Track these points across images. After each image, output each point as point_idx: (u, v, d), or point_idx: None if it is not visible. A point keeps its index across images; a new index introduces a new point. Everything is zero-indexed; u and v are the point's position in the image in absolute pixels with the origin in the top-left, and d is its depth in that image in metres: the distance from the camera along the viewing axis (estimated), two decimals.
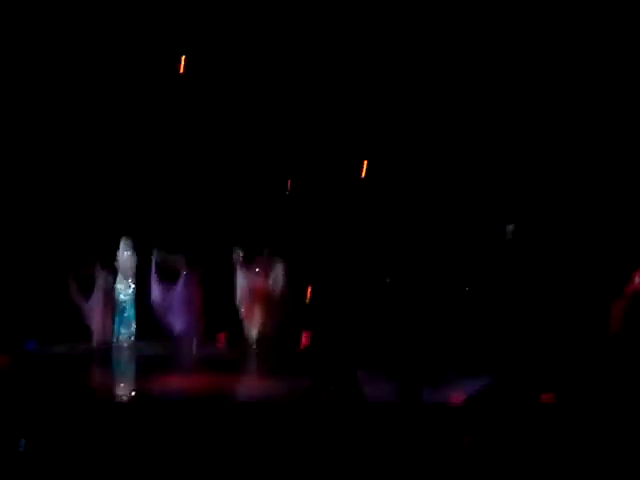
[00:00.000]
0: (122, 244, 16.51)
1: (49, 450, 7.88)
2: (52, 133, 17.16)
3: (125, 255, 16.54)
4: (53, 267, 16.25)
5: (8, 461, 7.69)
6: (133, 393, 12.20)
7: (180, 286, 16.28)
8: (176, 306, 16.22)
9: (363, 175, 16.71)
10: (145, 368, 15.34)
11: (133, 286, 16.56)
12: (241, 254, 16.33)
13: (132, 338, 16.62)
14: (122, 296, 16.47)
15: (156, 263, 16.31)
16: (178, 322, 16.24)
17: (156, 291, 16.36)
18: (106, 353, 15.97)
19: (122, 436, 8.44)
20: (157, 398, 11.73)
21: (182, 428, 8.34)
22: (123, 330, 16.51)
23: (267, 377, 13.71)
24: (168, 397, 11.91)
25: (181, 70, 15.86)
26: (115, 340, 16.39)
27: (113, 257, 16.48)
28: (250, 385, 13.77)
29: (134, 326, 16.62)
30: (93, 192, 17.22)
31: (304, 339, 14.34)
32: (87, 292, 16.25)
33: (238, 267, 16.39)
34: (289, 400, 11.43)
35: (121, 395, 12.56)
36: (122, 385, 13.44)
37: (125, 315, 16.53)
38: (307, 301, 14.63)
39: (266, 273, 16.36)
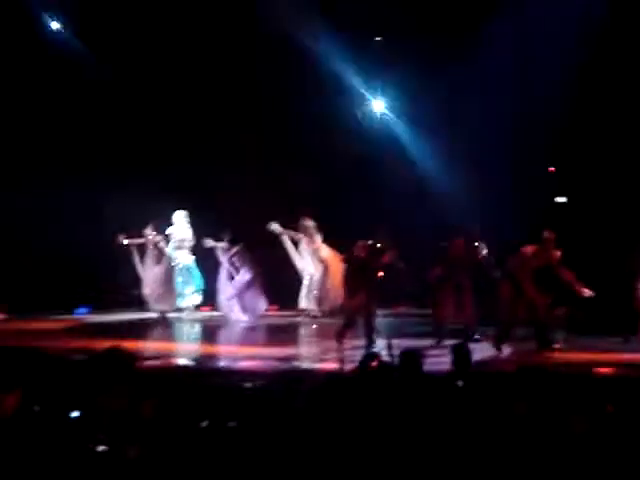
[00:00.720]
0: (178, 215, 16.56)
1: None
2: None
3: (182, 226, 16.60)
4: (108, 233, 16.19)
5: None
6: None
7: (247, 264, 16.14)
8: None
9: None
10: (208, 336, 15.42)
11: (192, 256, 16.62)
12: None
13: (195, 307, 16.73)
14: (183, 264, 16.54)
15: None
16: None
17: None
18: (166, 320, 16.09)
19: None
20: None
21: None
22: (185, 298, 16.57)
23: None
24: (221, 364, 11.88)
25: None
26: (176, 308, 16.48)
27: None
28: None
29: (199, 294, 16.67)
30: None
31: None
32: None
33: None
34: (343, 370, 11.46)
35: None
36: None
37: (188, 283, 16.58)
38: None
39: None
